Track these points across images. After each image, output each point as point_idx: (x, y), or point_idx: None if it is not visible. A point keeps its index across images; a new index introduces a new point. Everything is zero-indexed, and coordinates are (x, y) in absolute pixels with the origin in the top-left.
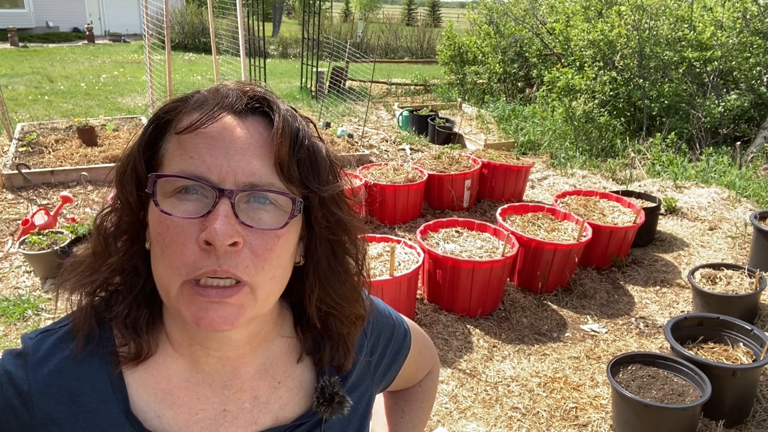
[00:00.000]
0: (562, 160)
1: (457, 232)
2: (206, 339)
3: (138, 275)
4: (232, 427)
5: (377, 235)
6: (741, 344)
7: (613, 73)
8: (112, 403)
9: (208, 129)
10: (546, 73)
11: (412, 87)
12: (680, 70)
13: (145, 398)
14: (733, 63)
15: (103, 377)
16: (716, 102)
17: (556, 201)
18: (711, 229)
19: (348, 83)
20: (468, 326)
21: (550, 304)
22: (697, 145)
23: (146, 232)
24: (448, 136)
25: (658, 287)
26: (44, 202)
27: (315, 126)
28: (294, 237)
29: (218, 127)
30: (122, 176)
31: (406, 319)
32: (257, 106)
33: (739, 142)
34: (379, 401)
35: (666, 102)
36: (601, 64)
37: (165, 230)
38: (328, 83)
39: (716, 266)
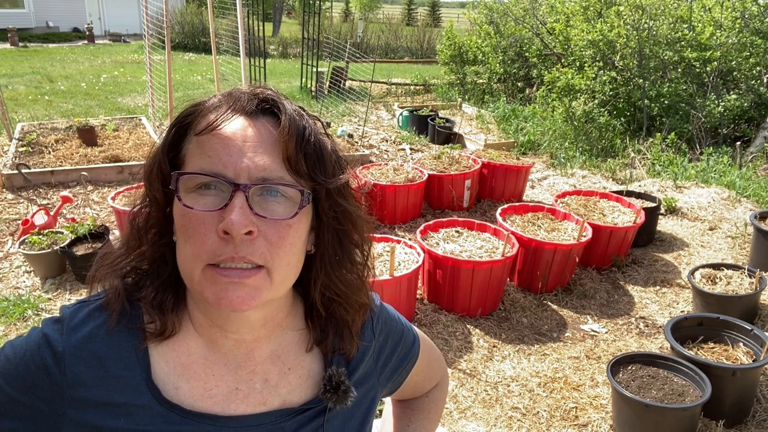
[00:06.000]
0: (562, 160)
1: (457, 232)
2: (226, 321)
3: (165, 264)
4: (242, 404)
5: (377, 235)
6: (741, 344)
7: (613, 73)
8: (135, 370)
9: (223, 130)
10: (546, 73)
11: (412, 87)
12: (680, 70)
13: (165, 370)
14: (733, 63)
15: (129, 348)
16: (716, 102)
17: (556, 201)
18: (711, 229)
19: (348, 83)
20: (468, 326)
21: (550, 304)
22: (697, 145)
23: (173, 226)
24: (448, 136)
25: (658, 287)
26: (44, 202)
27: (322, 124)
28: (305, 226)
29: (232, 128)
30: (149, 175)
31: (416, 329)
32: (267, 107)
33: (739, 142)
34: (391, 409)
35: (666, 102)
36: (601, 64)
37: (188, 222)
38: (328, 83)
39: (716, 266)
